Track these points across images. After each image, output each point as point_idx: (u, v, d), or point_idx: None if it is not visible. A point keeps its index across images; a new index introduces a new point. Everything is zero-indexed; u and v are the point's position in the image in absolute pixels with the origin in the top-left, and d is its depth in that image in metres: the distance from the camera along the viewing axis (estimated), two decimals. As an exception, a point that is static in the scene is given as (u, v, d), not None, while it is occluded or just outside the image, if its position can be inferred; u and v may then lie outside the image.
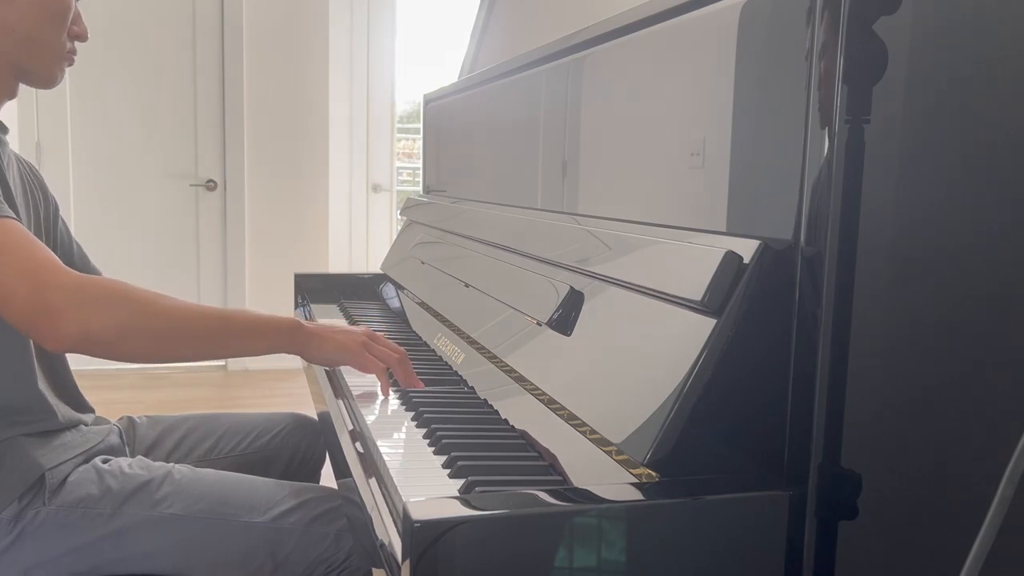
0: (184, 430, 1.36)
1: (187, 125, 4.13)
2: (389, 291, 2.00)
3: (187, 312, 1.06)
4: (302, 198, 4.26)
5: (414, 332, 1.59)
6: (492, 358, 1.19)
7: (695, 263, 0.80)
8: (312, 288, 2.10)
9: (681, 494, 0.72)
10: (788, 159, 0.76)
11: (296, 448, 1.40)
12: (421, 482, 0.88)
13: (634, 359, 0.85)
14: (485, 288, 1.34)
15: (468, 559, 0.65)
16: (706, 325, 0.76)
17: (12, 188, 1.14)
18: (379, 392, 1.19)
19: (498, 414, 1.07)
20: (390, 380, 1.20)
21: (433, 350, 1.42)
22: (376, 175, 4.58)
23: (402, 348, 1.23)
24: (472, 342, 1.29)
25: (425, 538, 0.64)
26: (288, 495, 1.11)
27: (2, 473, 1.05)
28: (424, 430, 1.02)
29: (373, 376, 1.19)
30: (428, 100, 2.17)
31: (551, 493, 0.70)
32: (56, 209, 1.29)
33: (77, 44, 1.18)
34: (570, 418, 0.91)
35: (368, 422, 1.07)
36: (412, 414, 1.09)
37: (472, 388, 1.19)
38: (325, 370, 1.30)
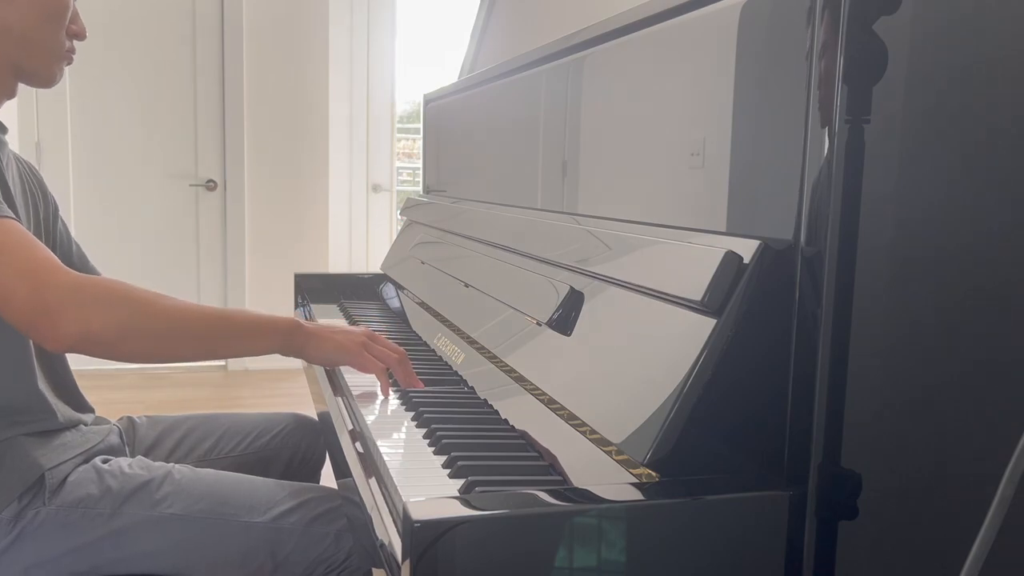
0: (184, 430, 1.36)
1: (187, 125, 4.13)
2: (389, 291, 2.00)
3: (187, 312, 1.06)
4: (302, 198, 4.26)
5: (414, 332, 1.59)
6: (492, 358, 1.19)
7: (695, 263, 0.80)
8: (312, 288, 2.10)
9: (681, 494, 0.72)
10: (788, 159, 0.76)
11: (296, 448, 1.40)
12: (421, 482, 0.88)
13: (634, 359, 0.85)
14: (485, 288, 1.34)
15: (468, 559, 0.65)
16: (706, 325, 0.76)
17: (12, 188, 1.14)
18: (379, 392, 1.19)
19: (498, 414, 1.07)
20: (390, 380, 1.20)
21: (433, 350, 1.42)
22: (376, 175, 4.58)
23: (402, 348, 1.23)
24: (472, 342, 1.29)
25: (425, 538, 0.64)
26: (288, 495, 1.11)
27: (2, 473, 1.05)
28: (424, 430, 1.02)
29: (373, 376, 1.19)
30: (428, 100, 2.18)
31: (551, 493, 0.70)
32: (55, 209, 1.29)
33: (76, 43, 1.18)
34: (570, 418, 0.91)
35: (368, 422, 1.07)
36: (412, 414, 1.09)
37: (472, 388, 1.19)
38: (325, 370, 1.30)
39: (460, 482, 0.86)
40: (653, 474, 0.74)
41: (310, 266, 4.11)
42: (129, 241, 4.09)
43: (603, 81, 1.15)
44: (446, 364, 1.33)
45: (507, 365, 1.12)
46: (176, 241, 4.19)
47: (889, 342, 0.76)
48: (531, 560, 0.67)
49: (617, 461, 0.79)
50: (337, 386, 1.24)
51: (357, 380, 1.24)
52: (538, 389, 1.00)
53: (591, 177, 1.19)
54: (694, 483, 0.73)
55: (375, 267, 2.31)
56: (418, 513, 0.64)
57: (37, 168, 1.29)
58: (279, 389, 3.95)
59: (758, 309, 0.75)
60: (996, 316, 0.74)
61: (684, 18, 0.95)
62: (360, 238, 4.59)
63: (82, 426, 1.19)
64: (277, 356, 1.16)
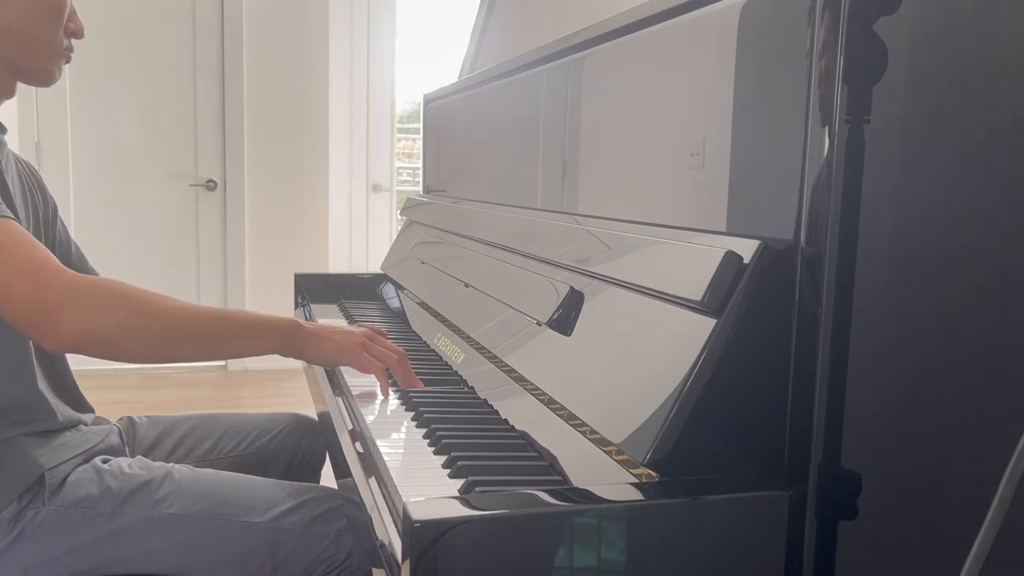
0: (184, 430, 1.36)
1: (187, 125, 4.13)
2: (389, 291, 2.00)
3: (186, 312, 1.06)
4: (302, 198, 4.26)
5: (414, 332, 1.59)
6: (492, 358, 1.19)
7: (695, 263, 0.80)
8: (312, 288, 2.10)
9: (681, 494, 0.72)
10: (788, 159, 0.76)
11: (296, 448, 1.40)
12: (421, 482, 0.88)
13: (634, 359, 0.85)
14: (485, 288, 1.34)
15: (468, 559, 0.65)
16: (706, 325, 0.76)
17: (11, 188, 1.14)
18: (379, 392, 1.19)
19: (498, 414, 1.07)
20: (389, 380, 1.20)
21: (433, 350, 1.42)
22: (376, 175, 4.58)
23: (401, 348, 1.23)
24: (472, 342, 1.29)
25: (425, 538, 0.64)
26: (288, 495, 1.11)
27: (2, 473, 1.05)
28: (424, 430, 1.02)
29: (373, 376, 1.19)
30: (428, 100, 2.17)
31: (551, 493, 0.70)
32: (55, 209, 1.29)
33: (75, 42, 1.18)
34: (570, 418, 0.91)
35: (368, 422, 1.07)
36: (412, 414, 1.09)
37: (472, 388, 1.19)
38: (325, 370, 1.30)
39: (460, 482, 0.86)
40: (653, 474, 0.74)
41: (310, 266, 4.11)
42: (129, 241, 4.09)
43: (603, 81, 1.15)
44: (446, 364, 1.33)
45: (507, 365, 1.12)
46: (176, 241, 4.19)
47: (889, 342, 0.76)
48: (531, 560, 0.67)
49: (617, 461, 0.79)
50: (337, 386, 1.24)
51: (357, 380, 1.24)
52: (538, 389, 1.00)
53: (591, 177, 1.19)
54: (694, 483, 0.73)
55: (375, 267, 2.31)
56: (418, 513, 0.64)
57: (37, 168, 1.29)
58: (279, 389, 3.95)
59: (758, 309, 0.75)
60: (996, 316, 0.74)
61: (684, 18, 0.95)
62: (360, 238, 4.59)
63: (82, 426, 1.19)
64: (277, 356, 1.16)
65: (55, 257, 1.01)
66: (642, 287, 0.89)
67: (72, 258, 1.33)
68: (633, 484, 0.74)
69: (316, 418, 1.41)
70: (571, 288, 1.04)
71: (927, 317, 0.76)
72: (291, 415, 1.44)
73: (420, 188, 2.35)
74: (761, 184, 0.81)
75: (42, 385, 1.13)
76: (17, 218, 1.06)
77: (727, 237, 0.82)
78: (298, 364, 1.32)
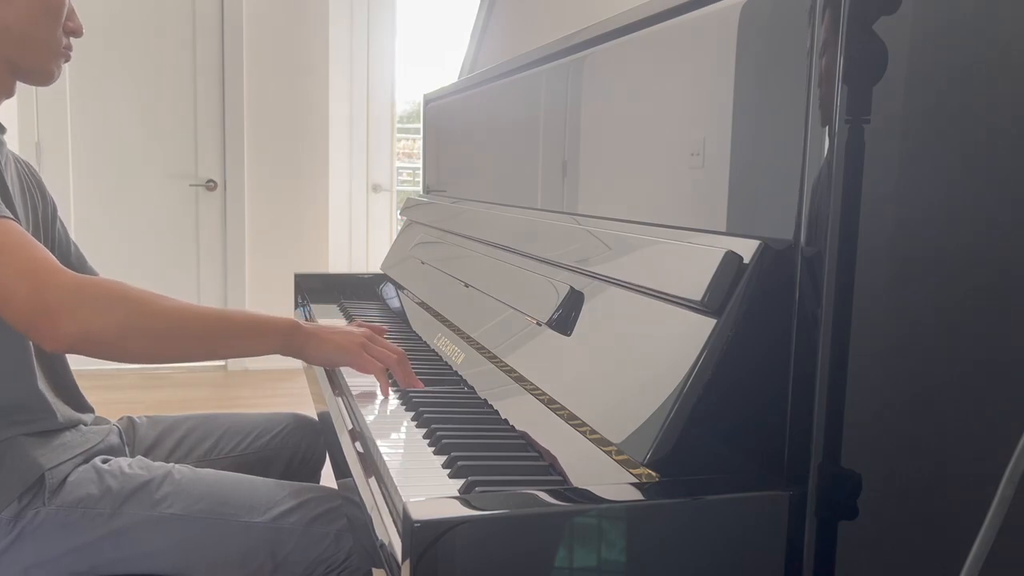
0: (184, 430, 1.36)
1: (187, 125, 4.13)
2: (389, 291, 2.00)
3: (186, 312, 1.06)
4: (302, 198, 4.26)
5: (414, 332, 1.59)
6: (492, 358, 1.19)
7: (695, 263, 0.80)
8: (312, 288, 2.10)
9: (681, 494, 0.72)
10: (788, 159, 0.76)
11: (296, 448, 1.40)
12: (421, 482, 0.88)
13: (634, 359, 0.85)
14: (485, 288, 1.34)
15: (468, 559, 0.65)
16: (706, 325, 0.76)
17: (11, 189, 1.14)
18: (379, 392, 1.19)
19: (498, 414, 1.07)
20: (389, 380, 1.20)
21: (433, 350, 1.42)
22: (376, 175, 4.58)
23: (401, 348, 1.23)
24: (472, 342, 1.29)
25: (425, 538, 0.64)
26: (288, 495, 1.11)
27: (2, 473, 1.05)
28: (424, 430, 1.02)
29: (373, 376, 1.19)
30: (428, 100, 2.17)
31: (551, 493, 0.70)
32: (54, 209, 1.29)
33: (74, 41, 1.18)
34: (570, 418, 0.91)
35: (368, 422, 1.07)
36: (412, 414, 1.09)
37: (472, 388, 1.19)
38: (325, 370, 1.30)
39: (460, 482, 0.86)
40: (653, 474, 0.74)
41: (310, 266, 4.11)
42: (129, 241, 4.09)
43: (603, 81, 1.15)
44: (446, 364, 1.33)
45: (507, 365, 1.12)
46: (176, 241, 4.19)
47: (889, 342, 0.76)
48: (531, 560, 0.67)
49: (617, 461, 0.79)
50: (337, 386, 1.24)
51: (357, 380, 1.24)
52: (538, 389, 1.00)
53: (591, 177, 1.19)
54: (694, 483, 0.73)
55: (375, 267, 2.31)
56: (418, 513, 0.64)
57: (36, 168, 1.29)
58: (279, 389, 3.95)
59: (758, 309, 0.75)
60: (996, 316, 0.74)
61: (684, 18, 0.95)
62: (360, 238, 4.59)
63: (82, 426, 1.19)
64: (277, 356, 1.16)
65: (55, 258, 1.01)
66: (642, 287, 0.89)
67: (71, 258, 1.33)
68: (633, 484, 0.74)
69: (316, 418, 1.41)
70: (571, 288, 1.04)
71: (927, 317, 0.76)
72: (291, 415, 1.44)
73: (420, 188, 2.35)
74: (761, 184, 0.81)
75: (42, 385, 1.13)
76: (17, 218, 1.06)
77: (727, 237, 0.82)
78: (298, 364, 1.32)
